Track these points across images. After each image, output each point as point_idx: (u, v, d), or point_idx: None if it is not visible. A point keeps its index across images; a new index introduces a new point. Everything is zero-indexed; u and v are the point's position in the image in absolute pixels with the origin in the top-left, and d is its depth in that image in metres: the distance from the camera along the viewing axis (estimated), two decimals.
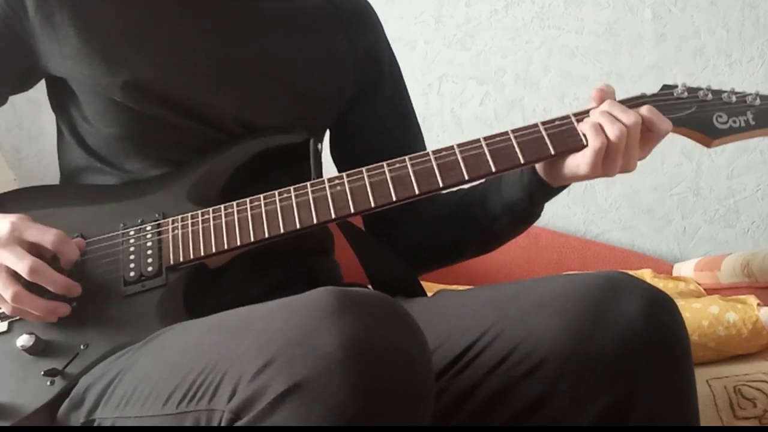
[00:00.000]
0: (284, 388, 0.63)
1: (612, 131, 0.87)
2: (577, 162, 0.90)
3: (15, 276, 0.85)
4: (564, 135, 0.90)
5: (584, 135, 0.89)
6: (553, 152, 0.90)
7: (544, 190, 0.96)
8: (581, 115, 0.92)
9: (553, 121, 0.92)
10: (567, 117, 0.92)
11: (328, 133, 1.16)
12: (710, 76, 1.93)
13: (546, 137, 0.91)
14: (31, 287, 0.86)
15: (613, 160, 0.88)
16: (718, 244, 1.96)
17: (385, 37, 1.15)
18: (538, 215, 1.02)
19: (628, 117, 0.88)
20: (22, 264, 0.84)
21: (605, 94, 0.92)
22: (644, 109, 0.90)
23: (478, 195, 1.04)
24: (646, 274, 1.73)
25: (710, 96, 0.93)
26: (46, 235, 0.87)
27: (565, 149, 0.90)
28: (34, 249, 0.87)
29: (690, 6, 1.94)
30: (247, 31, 1.02)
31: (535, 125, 0.92)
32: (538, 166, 0.95)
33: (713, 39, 1.92)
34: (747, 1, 1.91)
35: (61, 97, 1.03)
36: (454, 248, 1.10)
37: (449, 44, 2.06)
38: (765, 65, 1.90)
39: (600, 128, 0.88)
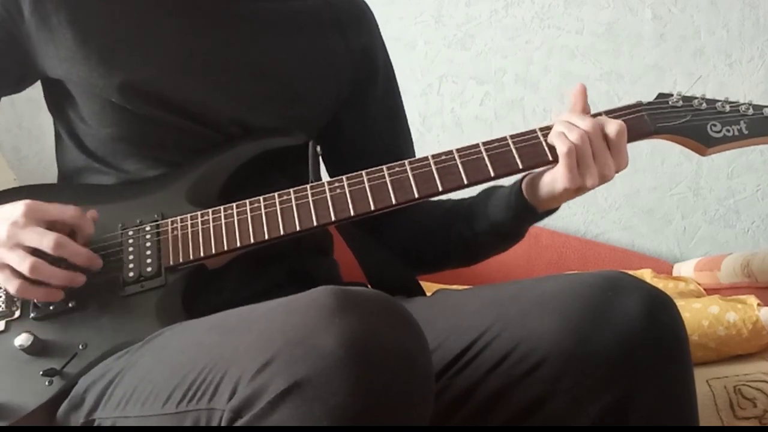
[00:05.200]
0: (284, 387, 0.63)
1: (572, 135, 0.88)
2: (554, 176, 0.91)
3: (31, 251, 0.85)
4: None
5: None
6: (550, 158, 0.91)
7: (530, 213, 0.97)
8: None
9: (550, 127, 0.93)
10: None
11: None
12: (710, 76, 1.93)
13: (544, 143, 0.92)
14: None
15: (586, 166, 0.88)
16: (718, 244, 1.96)
17: (381, 38, 1.15)
18: (522, 236, 1.03)
19: (585, 123, 0.89)
20: (46, 240, 0.85)
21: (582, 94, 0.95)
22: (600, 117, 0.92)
23: (464, 210, 1.04)
24: (646, 274, 1.73)
25: (704, 105, 0.95)
26: (66, 210, 0.88)
27: None
28: (51, 227, 0.87)
29: (690, 6, 1.94)
30: (244, 32, 1.02)
31: (534, 131, 0.93)
32: (526, 189, 0.96)
33: (713, 39, 1.92)
34: (747, 1, 1.91)
35: (57, 98, 1.02)
36: (436, 258, 1.10)
37: (449, 44, 2.06)
38: (765, 65, 1.90)
39: (563, 135, 0.89)
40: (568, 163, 0.88)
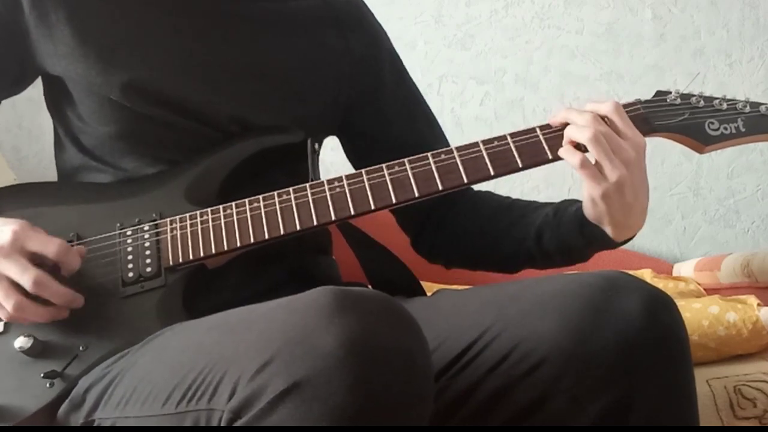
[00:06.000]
0: (284, 387, 0.63)
1: (583, 137, 0.88)
2: (588, 193, 0.89)
3: (16, 286, 0.85)
4: (560, 140, 0.91)
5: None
6: (550, 156, 0.91)
7: (607, 243, 0.95)
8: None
9: (549, 126, 0.93)
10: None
11: (338, 140, 1.16)
12: (710, 76, 1.93)
13: (543, 141, 0.92)
14: (31, 295, 0.85)
15: (604, 163, 0.87)
16: (718, 244, 1.96)
17: (384, 34, 1.15)
18: (587, 259, 1.01)
19: (584, 119, 0.89)
20: (25, 276, 0.83)
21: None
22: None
23: (534, 229, 1.00)
24: (646, 274, 1.73)
25: (702, 103, 0.95)
26: (48, 246, 0.86)
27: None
28: (36, 258, 0.86)
29: (690, 6, 1.94)
30: (242, 31, 1.02)
31: (533, 129, 0.93)
32: (596, 221, 0.93)
33: (713, 39, 1.92)
34: (747, 1, 1.91)
35: (56, 96, 1.02)
36: (504, 267, 1.08)
37: (449, 44, 2.06)
38: (765, 65, 1.90)
39: (570, 149, 0.89)
40: (588, 172, 0.88)
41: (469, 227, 1.09)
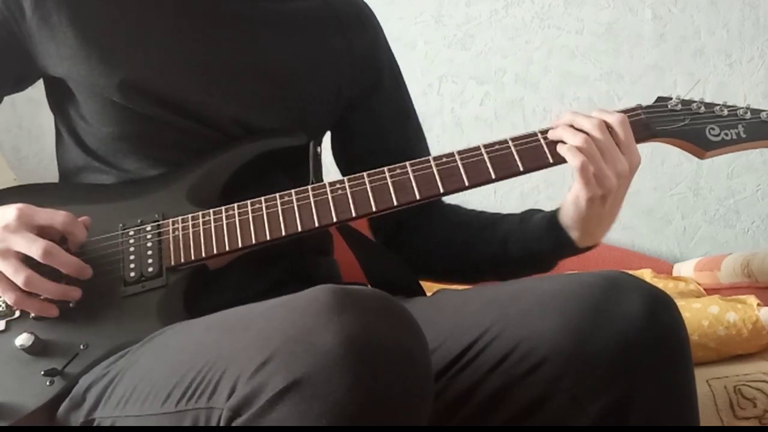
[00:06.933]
0: (283, 385, 0.63)
1: (580, 142, 0.89)
2: (575, 193, 0.91)
3: (25, 261, 0.86)
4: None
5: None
6: (551, 160, 0.92)
7: (567, 245, 0.97)
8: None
9: (551, 129, 0.93)
10: None
11: (328, 134, 1.16)
12: (710, 76, 1.93)
13: (544, 145, 0.92)
14: (40, 271, 0.86)
15: (599, 168, 0.88)
16: (718, 244, 1.96)
17: (384, 37, 1.15)
18: (552, 266, 1.03)
19: (590, 123, 0.90)
20: (35, 247, 0.85)
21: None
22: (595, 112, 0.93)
23: (500, 232, 1.02)
24: (646, 274, 1.74)
25: (703, 109, 0.96)
26: (55, 217, 0.88)
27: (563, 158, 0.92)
28: (43, 233, 0.87)
29: (690, 6, 1.94)
30: (244, 32, 1.02)
31: (534, 133, 0.94)
32: (561, 218, 0.95)
33: (713, 39, 1.92)
34: (747, 1, 1.91)
35: (59, 97, 1.03)
36: (465, 274, 1.10)
37: (449, 44, 2.06)
38: (765, 65, 1.90)
39: (574, 148, 0.90)
40: (584, 175, 0.89)
41: (440, 234, 1.10)
